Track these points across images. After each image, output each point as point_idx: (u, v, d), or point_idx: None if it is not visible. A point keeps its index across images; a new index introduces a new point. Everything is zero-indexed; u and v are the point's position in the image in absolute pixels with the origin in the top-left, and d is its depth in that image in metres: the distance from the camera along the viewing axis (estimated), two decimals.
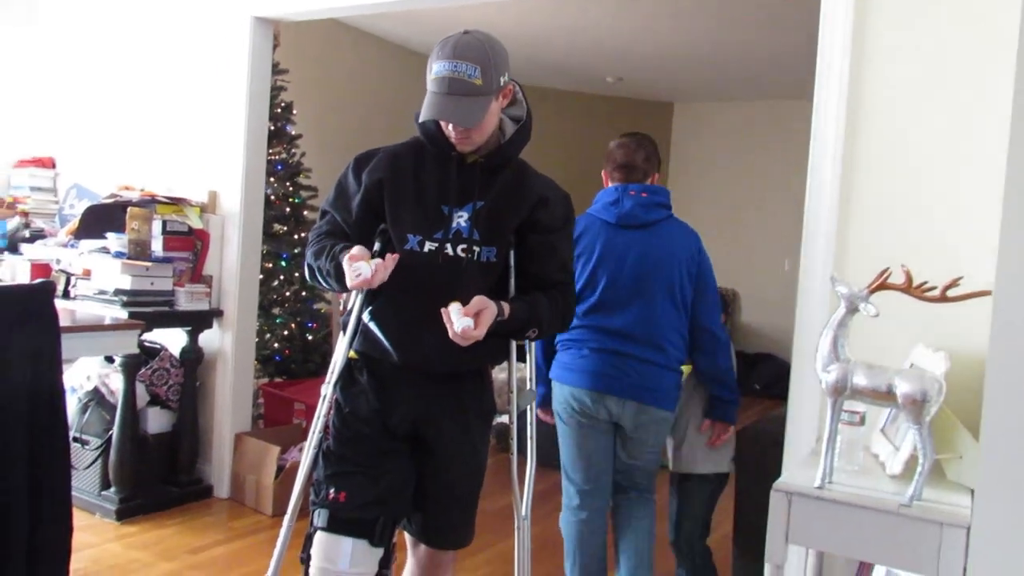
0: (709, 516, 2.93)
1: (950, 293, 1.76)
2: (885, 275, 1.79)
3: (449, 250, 1.94)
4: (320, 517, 1.94)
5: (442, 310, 1.81)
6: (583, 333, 2.64)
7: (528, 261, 2.04)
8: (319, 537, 1.93)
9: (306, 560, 1.96)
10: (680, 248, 2.65)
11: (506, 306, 1.92)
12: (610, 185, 2.75)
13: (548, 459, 3.25)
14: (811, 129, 2.42)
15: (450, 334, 1.79)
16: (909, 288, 1.78)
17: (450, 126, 1.89)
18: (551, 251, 2.04)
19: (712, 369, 2.72)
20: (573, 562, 2.75)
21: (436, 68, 1.84)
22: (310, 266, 2.03)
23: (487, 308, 1.83)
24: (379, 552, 1.95)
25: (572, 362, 2.68)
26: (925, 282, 1.78)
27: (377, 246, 2.02)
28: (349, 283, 1.84)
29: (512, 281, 2.05)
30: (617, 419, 2.64)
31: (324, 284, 2.01)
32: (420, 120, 1.92)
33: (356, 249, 1.86)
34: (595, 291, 2.63)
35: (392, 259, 1.85)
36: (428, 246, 1.94)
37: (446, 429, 2.04)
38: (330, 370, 2.08)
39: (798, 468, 1.98)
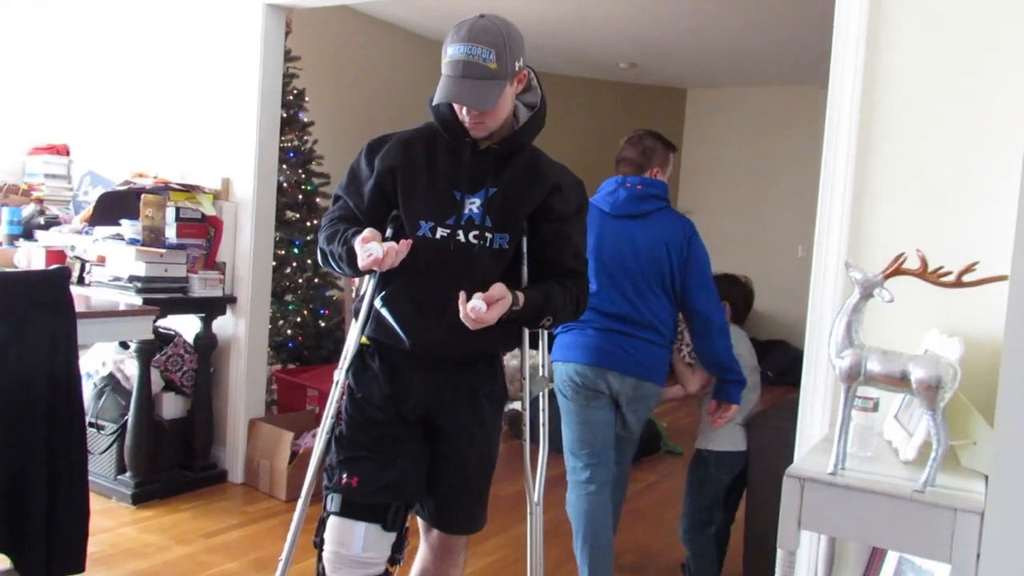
0: (706, 502, 2.98)
1: (966, 278, 1.75)
2: (900, 260, 1.78)
3: (461, 236, 1.93)
4: (333, 502, 1.95)
5: (461, 293, 1.81)
6: (585, 313, 2.66)
7: (541, 248, 2.04)
8: (332, 522, 1.94)
9: (319, 544, 1.97)
10: (669, 237, 2.76)
11: (521, 295, 1.91)
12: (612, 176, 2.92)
13: (561, 445, 3.32)
14: (826, 114, 2.40)
15: (460, 314, 1.80)
16: (924, 273, 1.77)
17: (464, 110, 1.88)
18: (564, 239, 2.04)
19: (709, 351, 2.79)
20: (583, 539, 2.79)
21: (451, 51, 1.83)
22: (322, 250, 2.04)
23: (504, 298, 1.84)
24: (392, 536, 1.95)
25: (574, 341, 2.79)
26: (940, 267, 1.77)
27: (389, 232, 2.02)
28: (361, 263, 1.84)
29: (524, 268, 2.04)
30: (616, 394, 2.77)
31: (336, 268, 2.01)
32: (434, 104, 1.91)
33: (368, 231, 1.86)
34: (590, 276, 2.66)
35: (405, 244, 1.85)
36: (440, 232, 1.94)
37: (458, 415, 2.04)
38: (343, 356, 2.09)
39: (811, 454, 1.97)
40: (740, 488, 3.01)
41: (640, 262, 2.75)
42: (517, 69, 1.89)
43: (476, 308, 1.78)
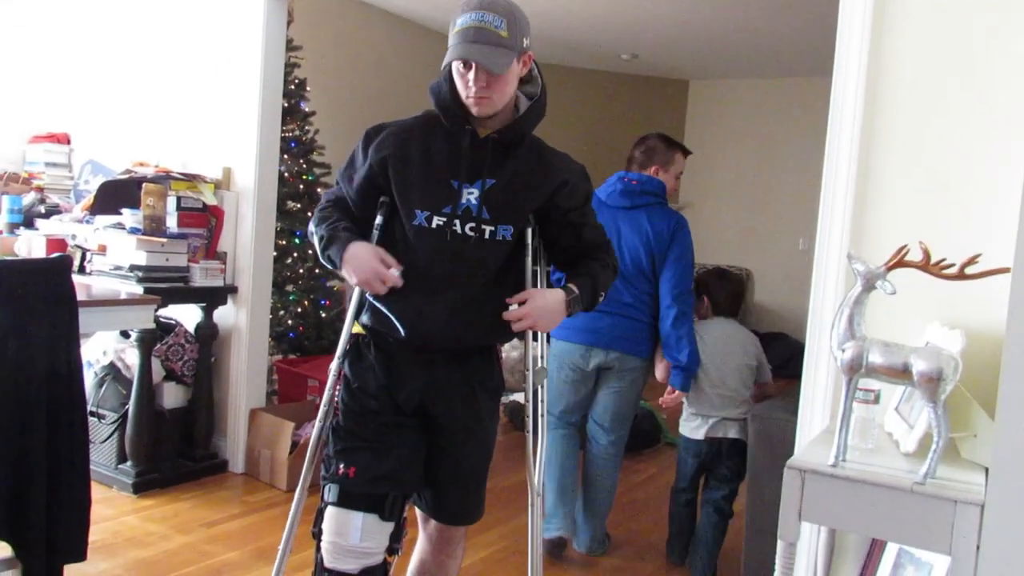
0: (680, 475, 3.27)
1: (968, 271, 1.74)
2: (903, 252, 1.77)
3: (457, 227, 1.92)
4: (331, 492, 1.94)
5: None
6: None
7: (561, 239, 2.07)
8: (330, 512, 1.94)
9: (317, 535, 1.96)
10: (654, 231, 3.10)
11: (576, 288, 2.00)
12: None
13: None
14: (830, 105, 2.39)
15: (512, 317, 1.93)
16: (927, 266, 1.76)
17: (471, 81, 1.84)
18: (580, 226, 2.06)
19: (664, 334, 3.12)
20: (551, 470, 3.18)
21: (461, 20, 1.82)
22: (311, 231, 2.08)
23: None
24: (390, 526, 1.95)
25: (566, 321, 3.02)
26: (943, 259, 1.76)
27: (379, 220, 2.02)
28: (373, 286, 1.92)
29: (528, 259, 2.04)
30: (601, 367, 3.16)
31: (316, 245, 2.06)
32: (445, 62, 1.87)
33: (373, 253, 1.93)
34: None
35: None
36: (436, 222, 1.92)
37: (454, 405, 2.03)
38: (340, 345, 2.10)
39: (811, 446, 1.97)
40: (719, 478, 3.18)
41: (623, 250, 3.09)
42: (525, 47, 1.88)
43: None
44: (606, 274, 2.09)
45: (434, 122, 1.99)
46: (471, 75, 1.84)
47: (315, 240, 2.04)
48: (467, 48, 1.80)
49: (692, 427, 3.18)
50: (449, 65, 1.89)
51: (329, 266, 2.01)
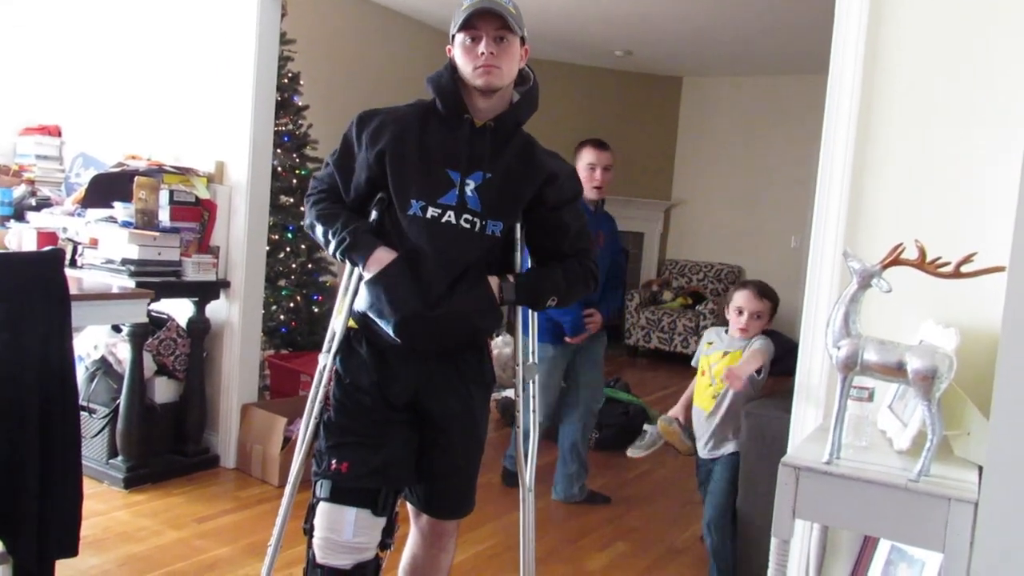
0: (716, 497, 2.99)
1: (964, 269, 1.75)
2: (899, 250, 1.78)
3: (452, 219, 1.92)
4: (322, 488, 1.93)
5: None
6: None
7: (542, 237, 2.07)
8: (322, 508, 1.93)
9: (309, 531, 1.95)
10: None
11: (511, 285, 1.98)
12: None
13: (549, 434, 3.62)
14: (825, 101, 2.39)
15: None
16: (923, 264, 1.77)
17: (480, 48, 1.87)
18: (563, 227, 2.06)
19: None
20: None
21: (468, 1, 1.88)
22: (313, 224, 2.06)
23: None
24: (382, 521, 1.94)
25: None
26: (938, 258, 1.77)
27: (374, 215, 2.01)
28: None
29: (517, 255, 2.05)
30: None
31: (321, 243, 2.05)
32: (453, 30, 1.91)
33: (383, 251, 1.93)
34: None
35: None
36: (431, 212, 1.92)
37: (446, 399, 2.03)
38: (327, 339, 2.09)
39: (805, 443, 1.98)
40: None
41: None
42: (526, 35, 1.94)
43: None
44: (568, 280, 2.05)
45: (429, 111, 1.99)
46: (480, 46, 1.88)
47: (324, 236, 2.02)
48: (481, 4, 1.86)
49: (735, 445, 2.96)
50: (450, 61, 1.93)
51: (348, 263, 2.03)
